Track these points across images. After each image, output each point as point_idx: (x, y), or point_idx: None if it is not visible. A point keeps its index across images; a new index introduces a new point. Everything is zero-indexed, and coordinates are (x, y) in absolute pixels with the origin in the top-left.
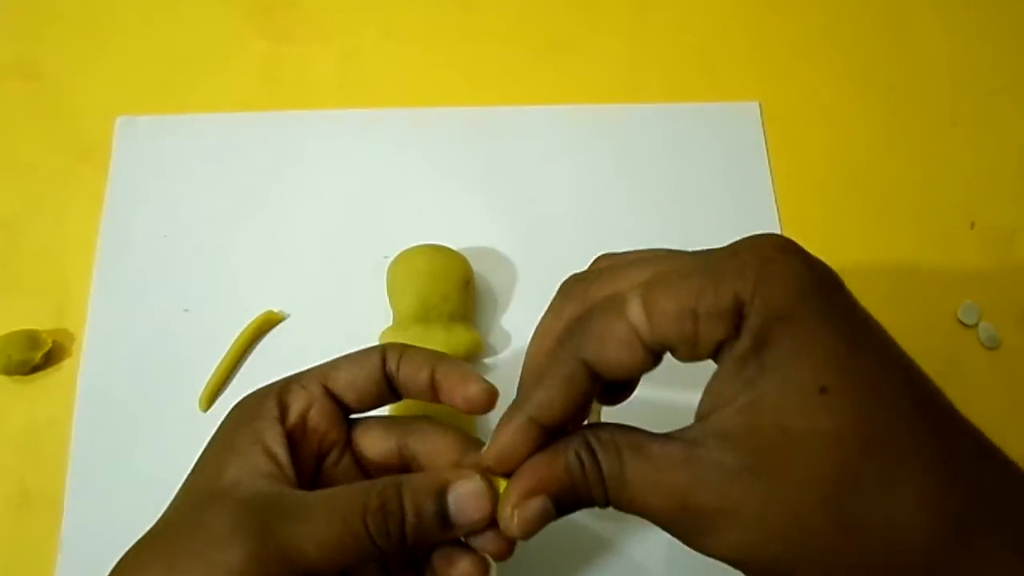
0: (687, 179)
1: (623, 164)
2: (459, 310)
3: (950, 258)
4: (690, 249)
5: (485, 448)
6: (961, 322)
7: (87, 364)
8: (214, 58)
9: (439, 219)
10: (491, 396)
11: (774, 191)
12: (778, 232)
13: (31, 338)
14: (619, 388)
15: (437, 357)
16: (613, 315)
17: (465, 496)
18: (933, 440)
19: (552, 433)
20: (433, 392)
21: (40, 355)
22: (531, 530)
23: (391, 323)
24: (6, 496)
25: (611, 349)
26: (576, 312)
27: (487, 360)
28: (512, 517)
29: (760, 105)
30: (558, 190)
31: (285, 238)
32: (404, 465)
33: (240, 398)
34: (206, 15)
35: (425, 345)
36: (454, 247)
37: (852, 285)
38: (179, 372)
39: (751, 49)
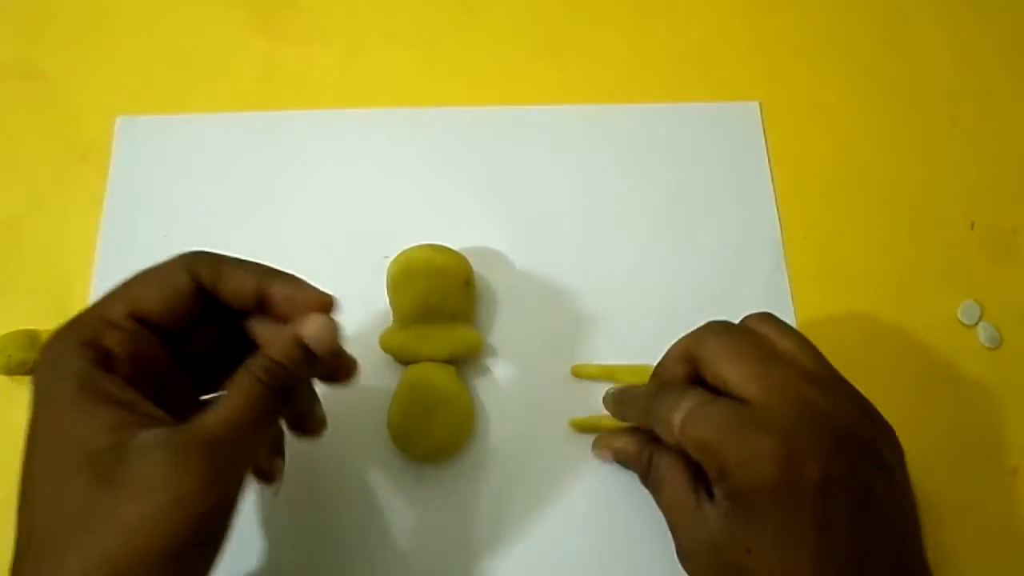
0: (687, 179)
1: (623, 164)
2: (459, 310)
3: (950, 258)
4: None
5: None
6: (961, 322)
7: None
8: (214, 58)
9: (439, 219)
10: (326, 299)
11: (774, 191)
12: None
13: (31, 338)
14: None
15: (262, 269)
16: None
17: (316, 331)
18: None
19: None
20: (258, 303)
21: None
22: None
23: (391, 323)
24: (6, 496)
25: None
26: (689, 367)
27: (487, 360)
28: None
29: (760, 105)
30: (558, 190)
31: (285, 238)
32: (260, 304)
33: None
34: (206, 15)
35: (425, 345)
36: (454, 247)
37: (853, 285)
38: None
39: (751, 49)
